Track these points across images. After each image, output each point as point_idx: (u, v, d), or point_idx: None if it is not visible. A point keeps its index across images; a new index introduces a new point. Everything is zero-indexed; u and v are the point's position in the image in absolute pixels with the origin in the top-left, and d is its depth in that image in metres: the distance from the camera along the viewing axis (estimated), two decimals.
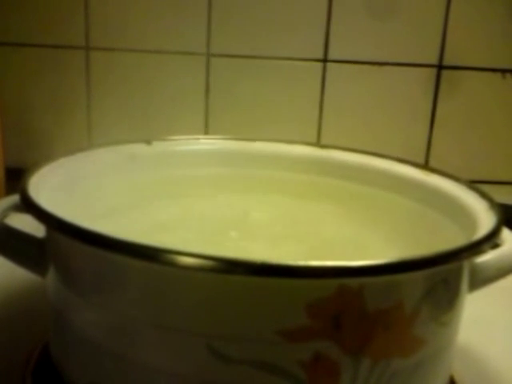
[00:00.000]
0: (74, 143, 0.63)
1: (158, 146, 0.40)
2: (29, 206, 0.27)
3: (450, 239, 0.33)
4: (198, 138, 0.43)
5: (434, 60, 0.65)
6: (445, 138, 0.66)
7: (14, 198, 0.33)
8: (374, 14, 0.63)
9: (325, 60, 0.64)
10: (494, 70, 0.65)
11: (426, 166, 0.39)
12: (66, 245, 0.28)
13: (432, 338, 0.27)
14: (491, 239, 0.27)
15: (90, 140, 0.64)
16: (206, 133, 0.65)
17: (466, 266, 0.28)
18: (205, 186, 0.41)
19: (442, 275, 0.26)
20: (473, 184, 0.35)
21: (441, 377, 0.29)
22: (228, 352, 0.24)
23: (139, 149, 0.39)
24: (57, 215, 0.26)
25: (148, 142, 0.40)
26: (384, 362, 0.25)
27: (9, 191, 0.55)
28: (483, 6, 0.63)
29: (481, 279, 0.30)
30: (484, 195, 0.33)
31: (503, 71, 0.65)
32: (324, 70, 0.64)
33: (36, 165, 0.33)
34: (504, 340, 0.40)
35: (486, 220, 0.30)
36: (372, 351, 0.25)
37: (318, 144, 0.53)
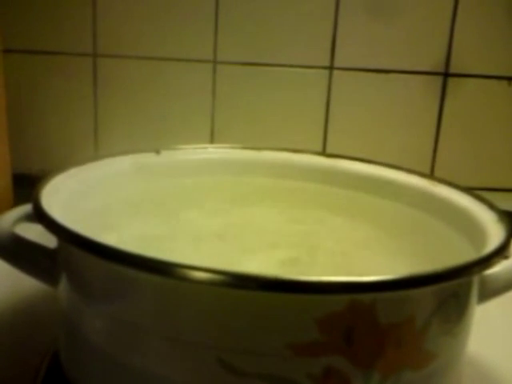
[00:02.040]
0: (81, 150, 0.63)
1: (167, 155, 0.41)
2: (43, 219, 0.28)
3: (458, 251, 0.33)
4: (206, 147, 0.43)
5: (440, 67, 0.65)
6: (450, 146, 0.66)
7: (24, 208, 0.33)
8: (380, 22, 0.63)
9: (331, 67, 0.64)
10: (499, 78, 0.65)
11: (433, 176, 0.39)
12: (78, 256, 0.28)
13: (442, 350, 0.27)
14: (502, 253, 0.27)
15: (97, 147, 0.64)
16: (212, 141, 0.65)
17: (475, 279, 0.28)
18: (212, 195, 0.42)
19: (452, 289, 0.26)
20: (481, 195, 0.34)
21: None
22: (239, 365, 0.24)
23: (149, 158, 0.40)
24: (71, 229, 0.26)
25: (157, 151, 0.40)
26: (395, 375, 0.25)
27: (15, 197, 0.55)
28: (489, 13, 0.63)
29: (490, 291, 0.31)
30: (492, 207, 0.33)
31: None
32: (330, 77, 0.64)
33: (47, 175, 0.33)
34: None
35: (495, 232, 0.30)
36: (383, 365, 0.25)
37: (325, 153, 0.53)
